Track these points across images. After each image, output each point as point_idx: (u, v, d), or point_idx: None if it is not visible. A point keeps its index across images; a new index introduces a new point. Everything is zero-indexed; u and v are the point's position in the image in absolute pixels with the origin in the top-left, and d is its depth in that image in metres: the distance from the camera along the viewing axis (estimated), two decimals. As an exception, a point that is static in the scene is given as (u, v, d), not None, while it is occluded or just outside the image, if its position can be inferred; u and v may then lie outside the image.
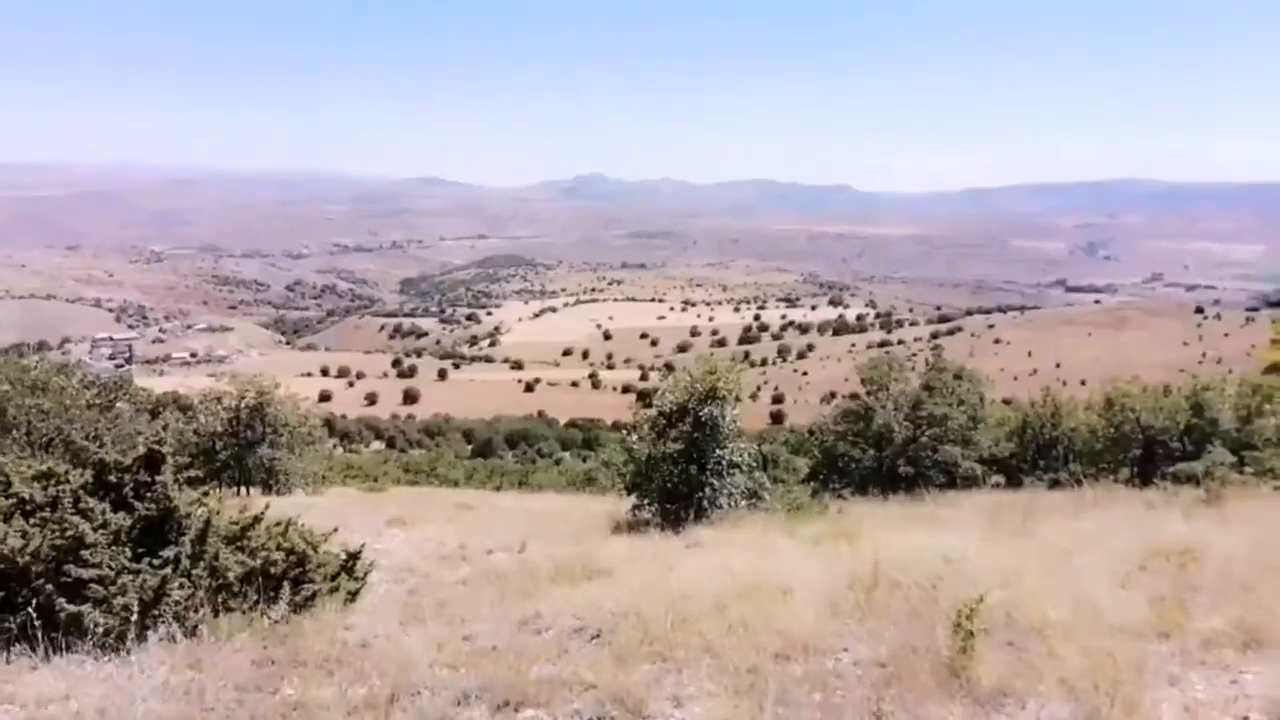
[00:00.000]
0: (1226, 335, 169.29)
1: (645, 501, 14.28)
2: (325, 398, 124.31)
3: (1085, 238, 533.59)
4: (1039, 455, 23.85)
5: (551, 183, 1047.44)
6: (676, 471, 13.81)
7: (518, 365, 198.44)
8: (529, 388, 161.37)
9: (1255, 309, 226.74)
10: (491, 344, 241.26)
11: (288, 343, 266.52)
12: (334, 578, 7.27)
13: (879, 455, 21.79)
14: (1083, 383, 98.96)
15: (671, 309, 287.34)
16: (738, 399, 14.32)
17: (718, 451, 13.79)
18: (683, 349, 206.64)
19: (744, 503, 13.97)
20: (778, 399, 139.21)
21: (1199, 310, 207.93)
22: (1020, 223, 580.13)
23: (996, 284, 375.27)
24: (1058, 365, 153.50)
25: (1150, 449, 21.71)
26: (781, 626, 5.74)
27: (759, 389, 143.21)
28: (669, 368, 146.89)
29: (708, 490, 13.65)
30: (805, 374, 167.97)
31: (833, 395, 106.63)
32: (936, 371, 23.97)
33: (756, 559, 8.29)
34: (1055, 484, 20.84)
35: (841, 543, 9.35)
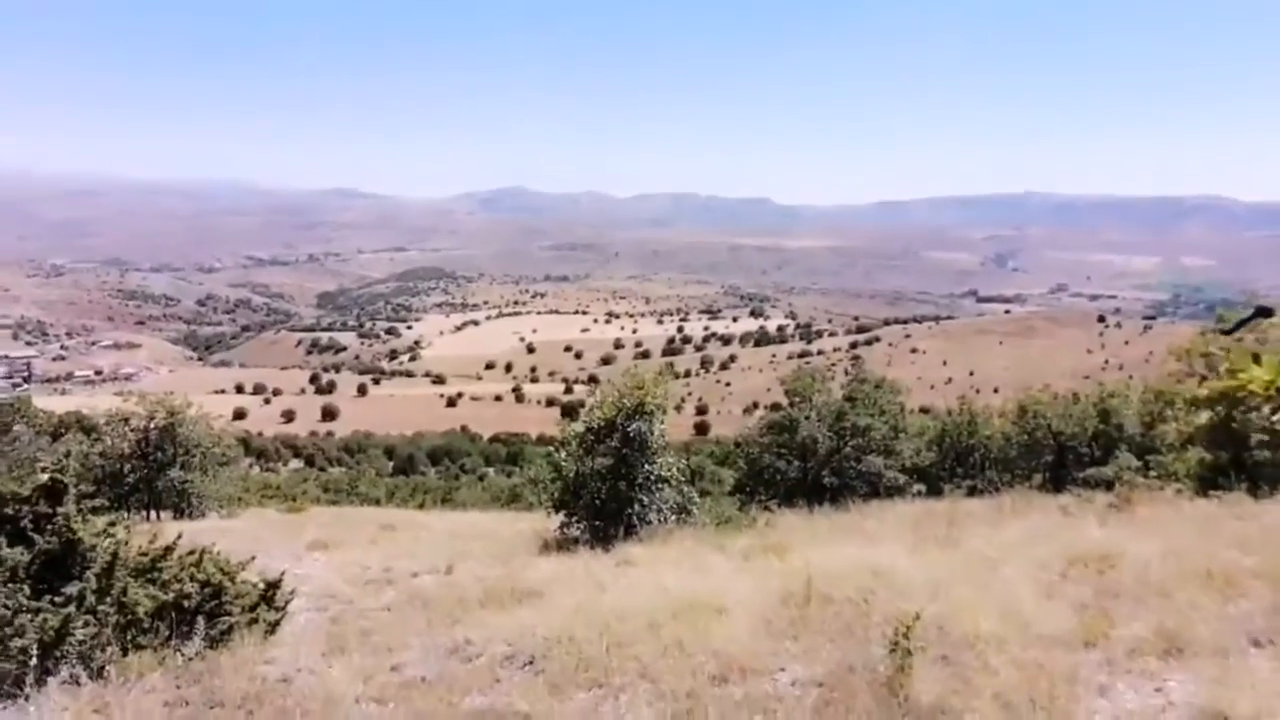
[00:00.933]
0: (1127, 343, 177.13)
1: (574, 519, 14.09)
2: (240, 415, 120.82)
3: (994, 249, 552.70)
4: (957, 463, 24.41)
5: (471, 194, 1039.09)
6: (605, 488, 13.66)
7: (439, 380, 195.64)
8: (451, 402, 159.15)
9: (1152, 317, 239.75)
10: (412, 358, 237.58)
11: (200, 359, 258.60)
12: (252, 609, 6.96)
13: (804, 466, 21.95)
14: (995, 390, 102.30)
15: (595, 321, 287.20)
16: (664, 412, 14.28)
17: (647, 467, 13.69)
18: (607, 361, 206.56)
19: (673, 518, 13.90)
20: (702, 410, 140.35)
21: (1101, 319, 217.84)
22: (933, 235, 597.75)
23: (912, 295, 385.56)
24: (971, 374, 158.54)
25: (1062, 455, 22.43)
26: (718, 646, 5.68)
27: (683, 400, 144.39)
28: (593, 380, 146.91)
29: (637, 506, 13.52)
30: (728, 385, 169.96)
31: (755, 405, 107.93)
32: (858, 382, 24.29)
33: (689, 576, 8.22)
34: (974, 491, 21.31)
35: (772, 557, 9.35)
